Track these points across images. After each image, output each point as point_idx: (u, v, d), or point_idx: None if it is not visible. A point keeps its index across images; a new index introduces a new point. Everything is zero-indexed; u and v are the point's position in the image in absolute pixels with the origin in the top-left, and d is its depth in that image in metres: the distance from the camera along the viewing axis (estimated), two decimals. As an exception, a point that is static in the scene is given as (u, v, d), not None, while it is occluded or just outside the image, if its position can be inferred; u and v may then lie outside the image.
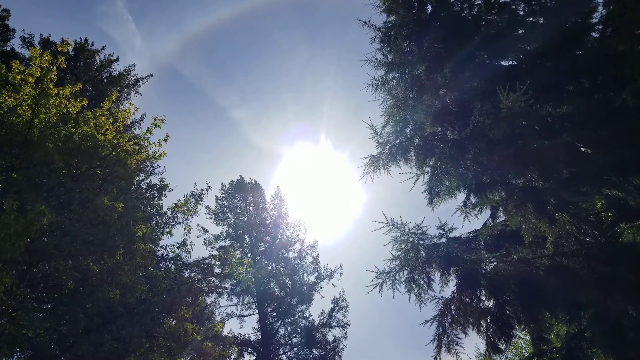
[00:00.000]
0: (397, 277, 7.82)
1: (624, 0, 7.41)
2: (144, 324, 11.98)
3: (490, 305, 7.73)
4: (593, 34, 8.58)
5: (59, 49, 12.01)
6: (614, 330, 7.49)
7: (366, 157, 8.93)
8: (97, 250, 10.71)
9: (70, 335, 10.93)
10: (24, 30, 22.82)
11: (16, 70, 11.36)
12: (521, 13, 8.97)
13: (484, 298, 7.73)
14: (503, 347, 7.89)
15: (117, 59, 25.30)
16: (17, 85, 11.36)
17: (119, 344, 11.28)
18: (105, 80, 24.68)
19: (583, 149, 7.92)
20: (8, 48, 21.70)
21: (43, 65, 11.45)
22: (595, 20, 8.58)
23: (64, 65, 12.05)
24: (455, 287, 7.79)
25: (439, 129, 9.18)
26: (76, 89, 12.36)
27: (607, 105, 7.22)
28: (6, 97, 11.24)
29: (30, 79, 11.39)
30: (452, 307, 7.83)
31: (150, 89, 27.68)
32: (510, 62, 9.10)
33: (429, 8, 9.45)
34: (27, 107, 11.29)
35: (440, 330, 7.93)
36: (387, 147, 8.92)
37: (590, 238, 7.35)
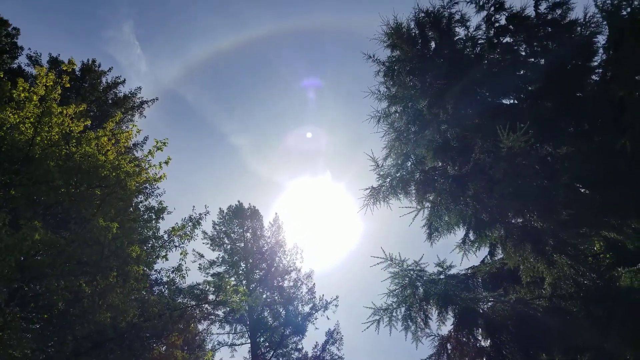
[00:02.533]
0: (394, 314, 7.73)
1: (623, 47, 7.55)
2: (134, 349, 11.78)
3: (486, 345, 7.62)
4: (593, 76, 8.72)
5: (64, 68, 12.18)
6: (611, 376, 7.36)
7: (367, 189, 8.93)
8: (90, 271, 10.61)
9: (57, 358, 10.72)
10: (30, 49, 23.12)
11: (21, 87, 11.47)
12: (523, 53, 9.12)
13: (480, 337, 7.62)
14: (498, 389, 7.72)
15: (123, 81, 25.59)
16: (21, 103, 11.45)
17: (107, 369, 11.06)
18: (110, 101, 24.90)
19: (582, 190, 7.93)
20: (15, 65, 21.95)
21: (48, 84, 11.56)
22: (595, 64, 8.73)
23: (68, 85, 12.18)
24: (452, 326, 7.69)
25: (440, 164, 9.22)
26: (80, 108, 12.46)
27: (606, 148, 7.26)
28: (9, 114, 11.32)
29: (34, 97, 11.48)
30: (449, 346, 7.70)
31: (152, 113, 27.90)
32: (512, 101, 9.21)
33: (433, 45, 9.60)
34: (29, 124, 11.36)
35: (436, 369, 7.79)
36: (388, 179, 8.93)
37: (588, 280, 7.29)
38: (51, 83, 11.67)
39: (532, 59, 9.10)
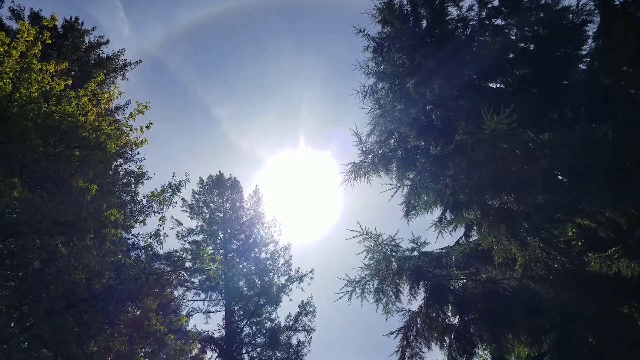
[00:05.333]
0: (366, 286, 7.85)
1: (612, 36, 7.60)
2: (108, 310, 11.77)
3: (455, 322, 7.81)
4: (581, 65, 8.79)
5: (45, 23, 11.78)
6: (573, 358, 7.62)
7: (348, 164, 8.94)
8: (67, 232, 10.51)
9: (31, 315, 10.67)
10: (13, 1, 22.22)
11: (0, 41, 11.09)
12: (513, 37, 9.13)
13: (450, 314, 7.80)
14: (464, 365, 7.94)
15: (107, 42, 24.85)
16: (0, 57, 11.09)
17: (81, 328, 11.04)
18: (92, 61, 24.26)
19: (560, 177, 8.06)
20: (-6, 18, 21.20)
21: (28, 40, 11.20)
22: (584, 52, 8.79)
23: (49, 41, 11.77)
24: (423, 301, 7.86)
25: (423, 143, 9.26)
26: (61, 67, 12.11)
27: (588, 137, 7.35)
28: (-14, 67, 10.96)
29: (14, 52, 11.11)
30: (418, 321, 7.88)
31: (133, 79, 27.23)
32: (498, 85, 9.25)
33: (424, 23, 9.55)
34: (8, 80, 11.02)
35: (405, 342, 7.96)
36: (370, 156, 8.95)
37: (559, 265, 7.46)
38: (31, 38, 11.29)
39: (522, 44, 9.11)
